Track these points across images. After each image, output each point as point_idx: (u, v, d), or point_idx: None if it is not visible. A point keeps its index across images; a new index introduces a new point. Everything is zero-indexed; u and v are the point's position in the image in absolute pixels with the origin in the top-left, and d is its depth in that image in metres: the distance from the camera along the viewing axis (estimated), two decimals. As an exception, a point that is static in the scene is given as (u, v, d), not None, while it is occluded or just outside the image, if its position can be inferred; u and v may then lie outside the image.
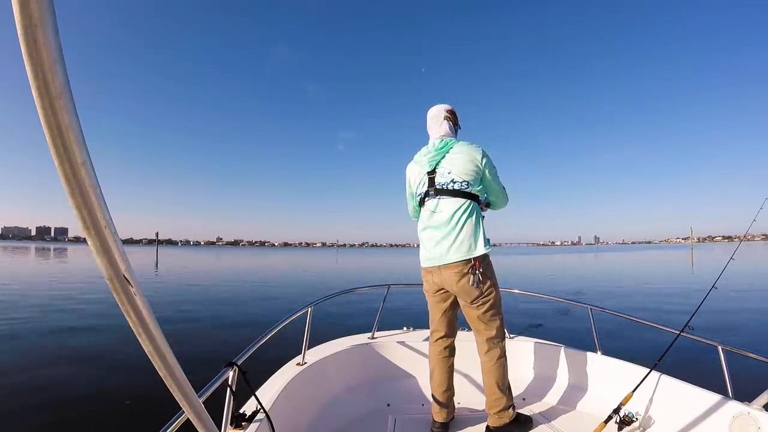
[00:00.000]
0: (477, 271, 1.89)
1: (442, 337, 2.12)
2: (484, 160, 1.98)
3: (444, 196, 1.99)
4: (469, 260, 1.89)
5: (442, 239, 1.95)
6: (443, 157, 2.01)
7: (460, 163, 1.97)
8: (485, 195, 2.10)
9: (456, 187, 1.97)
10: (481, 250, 1.91)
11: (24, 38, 0.36)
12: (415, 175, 2.12)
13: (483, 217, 2.03)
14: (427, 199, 2.05)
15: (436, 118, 2.13)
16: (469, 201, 1.96)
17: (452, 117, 2.14)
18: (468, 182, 1.96)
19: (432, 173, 2.03)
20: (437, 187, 2.01)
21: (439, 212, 1.98)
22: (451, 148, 2.01)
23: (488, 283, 1.95)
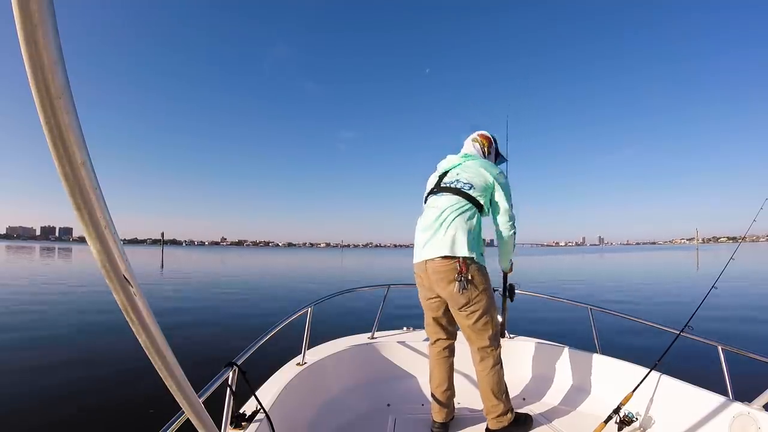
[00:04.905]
0: (462, 277, 1.80)
1: (438, 340, 2.11)
2: (498, 175, 2.03)
3: (444, 193, 2.01)
4: (453, 259, 1.82)
5: (432, 235, 1.92)
6: (457, 165, 2.09)
7: (470, 171, 2.03)
8: (488, 208, 2.05)
9: (458, 186, 1.99)
10: (464, 251, 1.82)
11: (24, 38, 0.36)
12: (429, 183, 2.19)
13: (479, 226, 1.95)
14: (429, 197, 2.09)
15: (467, 141, 2.26)
16: (466, 202, 1.94)
17: (484, 141, 2.24)
18: (472, 185, 1.97)
19: (443, 176, 2.10)
20: (442, 186, 2.05)
21: (434, 207, 1.99)
22: (469, 160, 2.08)
23: (477, 291, 1.86)
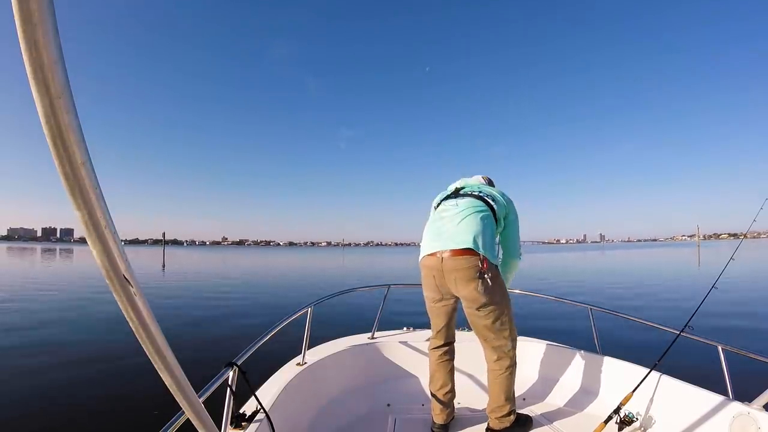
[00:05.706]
0: (486, 276, 1.77)
1: (442, 345, 2.08)
2: (511, 204, 2.10)
3: (464, 197, 2.03)
4: (474, 255, 1.78)
5: (451, 227, 1.90)
6: (476, 185, 2.13)
7: (491, 190, 2.09)
8: (501, 226, 2.08)
9: (480, 194, 2.03)
10: (485, 249, 1.80)
11: (24, 38, 0.36)
12: (439, 197, 2.19)
13: (495, 234, 1.97)
14: (445, 201, 2.09)
15: (475, 177, 2.31)
16: (486, 207, 1.96)
17: (488, 182, 2.32)
18: (494, 199, 2.02)
19: (460, 189, 2.13)
20: (460, 192, 2.08)
21: (454, 207, 1.99)
22: (484, 185, 2.14)
23: (498, 290, 1.86)
